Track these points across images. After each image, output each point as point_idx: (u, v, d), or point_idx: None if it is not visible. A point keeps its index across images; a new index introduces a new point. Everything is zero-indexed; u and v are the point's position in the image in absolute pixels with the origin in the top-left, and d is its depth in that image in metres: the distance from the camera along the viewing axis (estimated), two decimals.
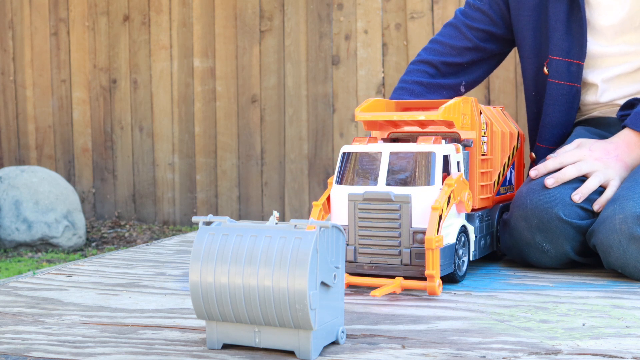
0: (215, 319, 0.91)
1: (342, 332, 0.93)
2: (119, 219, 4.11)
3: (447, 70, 1.67)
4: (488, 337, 0.96)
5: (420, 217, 1.17)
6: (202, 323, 1.04)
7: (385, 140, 1.35)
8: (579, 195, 1.31)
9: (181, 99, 3.93)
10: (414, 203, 1.17)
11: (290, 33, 3.71)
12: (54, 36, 4.19)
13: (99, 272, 1.44)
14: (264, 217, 3.78)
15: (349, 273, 1.25)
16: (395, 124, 1.32)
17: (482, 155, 1.34)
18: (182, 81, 3.92)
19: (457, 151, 1.25)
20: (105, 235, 3.86)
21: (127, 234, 3.84)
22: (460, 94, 1.68)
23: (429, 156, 1.19)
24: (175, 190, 3.98)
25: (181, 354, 0.91)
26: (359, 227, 1.21)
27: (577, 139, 1.42)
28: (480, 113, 1.33)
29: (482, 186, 1.34)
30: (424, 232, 1.17)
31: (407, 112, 1.29)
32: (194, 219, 0.93)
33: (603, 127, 1.54)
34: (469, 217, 1.29)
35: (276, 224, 1.02)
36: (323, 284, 0.88)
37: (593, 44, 1.51)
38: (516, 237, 1.36)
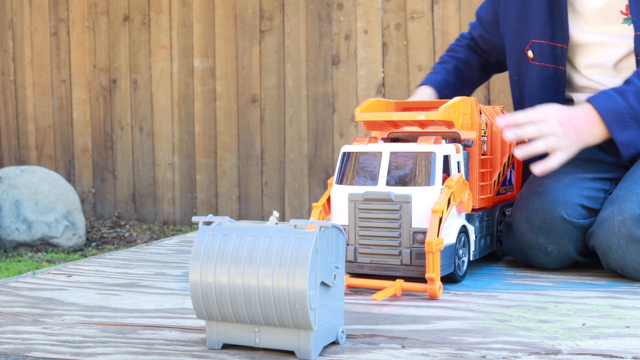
0: (215, 319, 0.91)
1: (342, 332, 0.93)
2: (119, 219, 4.11)
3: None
4: (488, 337, 0.96)
5: (420, 217, 1.17)
6: (202, 323, 1.04)
7: (385, 140, 1.35)
8: (521, 152, 1.27)
9: (181, 99, 3.93)
10: (414, 203, 1.17)
11: (290, 33, 3.71)
12: (54, 36, 4.19)
13: (99, 272, 1.44)
14: (264, 217, 3.78)
15: (349, 274, 1.25)
16: (395, 124, 1.32)
17: (482, 155, 1.33)
18: (182, 81, 3.92)
19: (458, 151, 1.25)
20: (105, 235, 3.86)
21: (127, 234, 3.84)
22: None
23: (429, 156, 1.19)
24: (175, 190, 3.98)
25: (181, 354, 0.91)
26: (359, 227, 1.21)
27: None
28: (480, 113, 1.33)
29: (482, 186, 1.34)
30: (424, 233, 1.17)
31: (407, 112, 1.29)
32: (194, 219, 0.93)
33: None
34: (469, 217, 1.29)
35: (276, 224, 1.02)
36: (323, 284, 0.88)
37: (576, 30, 1.51)
38: (519, 239, 1.36)
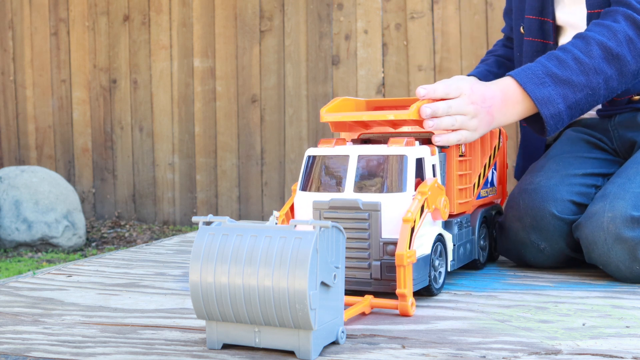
0: (215, 319, 0.91)
1: (342, 332, 0.93)
2: (119, 219, 4.11)
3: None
4: (488, 337, 0.96)
5: (391, 227, 1.08)
6: (202, 323, 1.04)
7: (355, 142, 1.26)
8: (430, 123, 1.17)
9: (181, 99, 3.93)
10: (384, 211, 1.08)
11: (290, 33, 3.71)
12: (54, 36, 4.19)
13: (99, 272, 1.44)
14: (264, 217, 3.78)
15: None
16: (365, 124, 1.23)
17: (460, 156, 1.25)
18: (182, 81, 3.92)
19: (432, 153, 1.16)
20: (105, 235, 3.86)
21: (127, 234, 3.84)
22: None
23: (400, 160, 1.10)
24: (175, 190, 3.98)
25: (181, 354, 0.91)
26: None
27: (466, 77, 1.34)
28: None
29: (461, 190, 1.25)
30: (395, 244, 1.07)
31: (377, 112, 1.20)
32: (194, 219, 0.93)
33: (598, 131, 1.53)
34: (446, 224, 1.20)
35: (276, 224, 1.02)
36: (323, 284, 0.88)
37: (557, 9, 1.52)
38: (512, 239, 1.37)
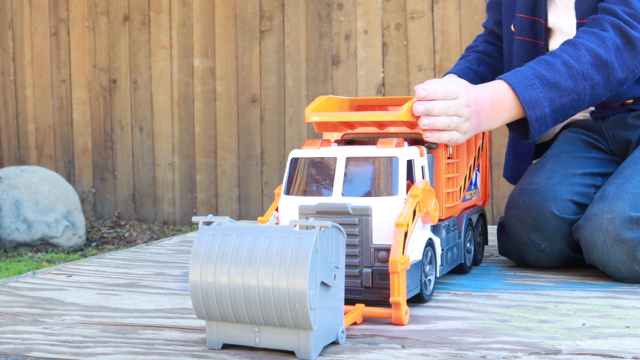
0: (215, 319, 0.91)
1: (342, 332, 0.93)
2: (119, 219, 4.11)
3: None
4: (488, 337, 0.96)
5: (382, 232, 1.02)
6: (202, 323, 1.04)
7: (339, 142, 1.20)
8: (424, 120, 1.14)
9: (181, 99, 3.93)
10: (374, 216, 1.02)
11: (290, 33, 3.71)
12: (54, 36, 4.19)
13: (99, 272, 1.44)
14: None
15: None
16: (350, 124, 1.18)
17: (448, 158, 1.20)
18: (182, 81, 3.92)
19: (422, 154, 1.11)
20: (105, 235, 3.86)
21: (127, 234, 3.84)
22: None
23: (390, 162, 1.04)
24: (175, 190, 3.98)
25: (181, 354, 0.91)
26: None
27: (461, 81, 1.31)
28: None
29: (449, 193, 1.21)
30: (387, 250, 1.02)
31: (366, 112, 1.15)
32: (194, 219, 0.93)
33: (594, 131, 1.53)
34: (434, 228, 1.16)
35: (276, 224, 1.02)
36: (323, 284, 0.88)
37: (549, 11, 1.52)
38: (512, 239, 1.37)
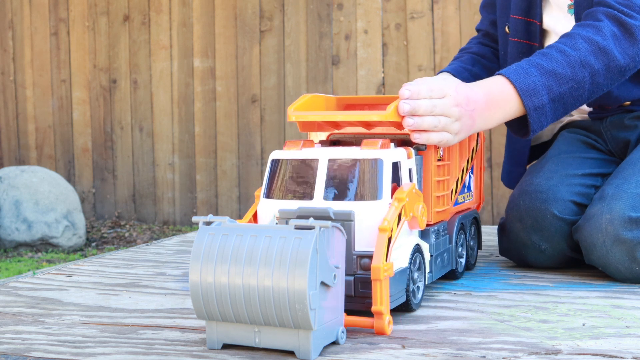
0: (215, 319, 0.91)
1: (342, 332, 0.93)
2: (119, 219, 4.11)
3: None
4: (488, 337, 0.96)
5: (365, 238, 0.98)
6: (202, 323, 1.04)
7: (323, 143, 1.16)
8: (409, 121, 1.09)
9: (181, 99, 3.93)
10: (357, 221, 0.98)
11: (290, 33, 3.71)
12: (54, 36, 4.19)
13: (99, 272, 1.44)
14: None
15: None
16: (336, 124, 1.14)
17: (438, 160, 1.15)
18: (182, 81, 3.92)
19: (409, 156, 1.06)
20: (105, 235, 3.86)
21: (127, 234, 3.84)
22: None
23: (375, 164, 1.00)
24: (175, 190, 3.98)
25: (181, 354, 0.91)
26: None
27: (454, 79, 1.28)
28: None
29: (439, 197, 1.16)
30: (370, 257, 0.97)
31: (350, 112, 1.11)
32: (194, 219, 0.93)
33: (592, 132, 1.52)
34: (423, 234, 1.11)
35: (276, 224, 1.02)
36: (323, 284, 0.88)
37: (547, 16, 1.51)
38: (513, 239, 1.37)
